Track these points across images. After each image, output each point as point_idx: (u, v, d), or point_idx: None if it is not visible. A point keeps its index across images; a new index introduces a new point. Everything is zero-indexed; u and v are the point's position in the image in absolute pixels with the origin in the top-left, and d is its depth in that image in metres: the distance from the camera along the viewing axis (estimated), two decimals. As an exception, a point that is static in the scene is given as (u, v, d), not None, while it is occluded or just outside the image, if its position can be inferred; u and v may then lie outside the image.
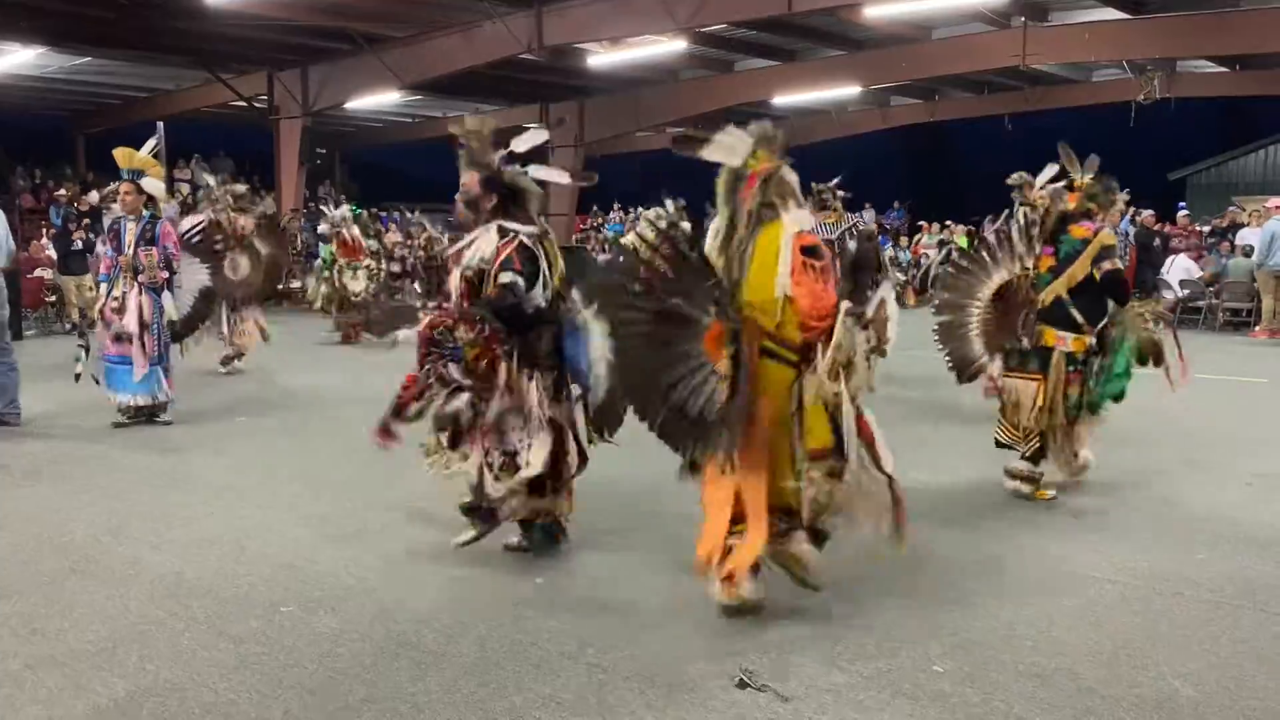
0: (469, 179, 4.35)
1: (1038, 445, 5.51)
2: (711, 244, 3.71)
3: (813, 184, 9.21)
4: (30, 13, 15.55)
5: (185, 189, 20.90)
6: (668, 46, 17.50)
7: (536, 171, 4.46)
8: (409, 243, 17.03)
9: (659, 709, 3.17)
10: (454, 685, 3.33)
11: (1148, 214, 18.12)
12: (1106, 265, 5.24)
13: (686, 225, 3.63)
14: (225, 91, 20.72)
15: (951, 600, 4.07)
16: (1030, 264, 5.43)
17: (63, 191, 19.39)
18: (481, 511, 4.40)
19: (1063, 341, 5.35)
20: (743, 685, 3.30)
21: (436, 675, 3.39)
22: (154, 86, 22.61)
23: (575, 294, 4.25)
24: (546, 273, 4.29)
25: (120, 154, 7.46)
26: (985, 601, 4.06)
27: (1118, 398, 5.65)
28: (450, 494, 4.47)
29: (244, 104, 21.10)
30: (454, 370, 4.17)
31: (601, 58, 18.51)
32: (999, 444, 5.67)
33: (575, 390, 4.37)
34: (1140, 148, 21.78)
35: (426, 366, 4.21)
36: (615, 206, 26.15)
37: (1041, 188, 5.69)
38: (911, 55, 18.73)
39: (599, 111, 23.36)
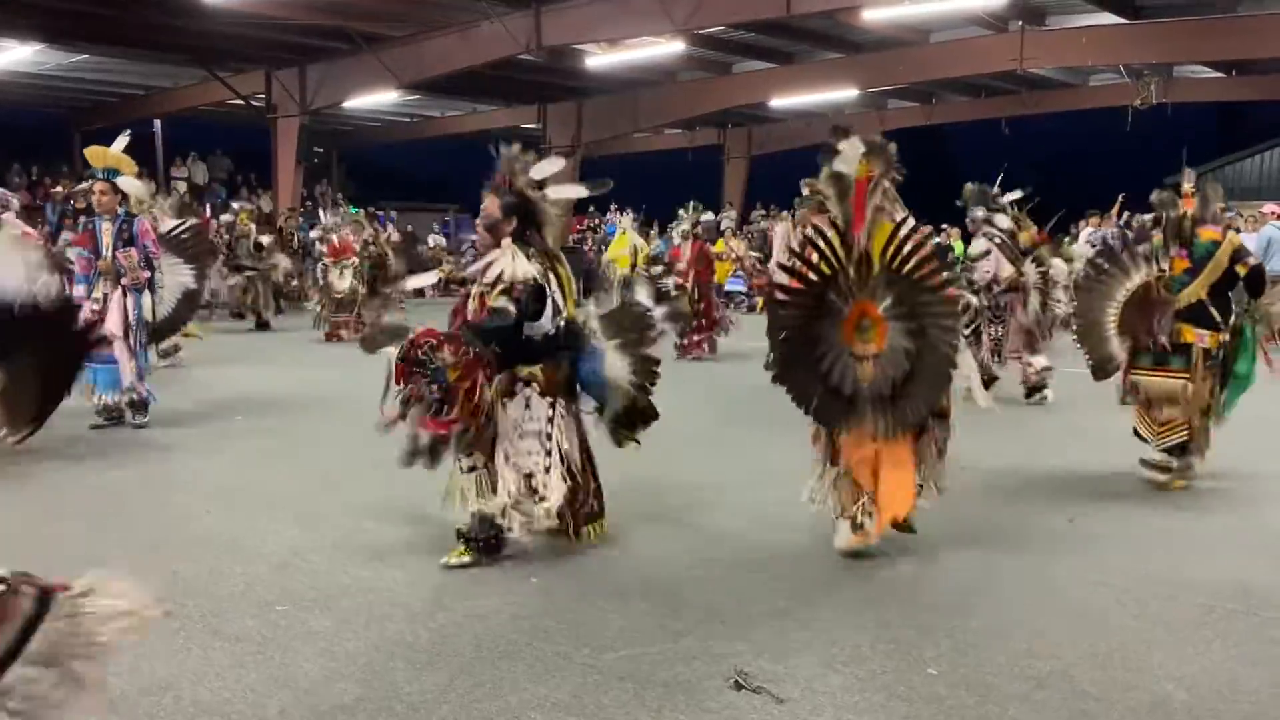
0: (490, 204, 4.36)
1: (1181, 439, 5.81)
2: (781, 243, 4.48)
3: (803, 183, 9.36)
4: (28, 10, 15.53)
5: (183, 187, 20.90)
6: (666, 48, 17.52)
7: (558, 191, 4.48)
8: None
9: (654, 710, 3.18)
10: (449, 685, 3.33)
11: (1144, 217, 18.14)
12: (1251, 261, 5.75)
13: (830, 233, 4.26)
14: (223, 90, 20.72)
15: (947, 603, 4.08)
16: (1165, 266, 5.79)
17: (59, 188, 19.37)
18: (483, 543, 4.39)
19: (1201, 339, 5.69)
20: (738, 687, 3.30)
21: (431, 675, 3.40)
22: (152, 84, 22.60)
23: (595, 320, 4.45)
24: (559, 299, 4.30)
25: (92, 153, 7.24)
26: (980, 604, 4.07)
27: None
28: (450, 496, 4.44)
29: (242, 102, 21.10)
30: (433, 392, 4.09)
31: (600, 59, 18.53)
32: (1138, 436, 5.99)
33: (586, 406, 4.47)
34: (1136, 152, 21.87)
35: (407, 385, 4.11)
36: (613, 208, 26.16)
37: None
38: (909, 58, 18.79)
39: (597, 112, 23.38)
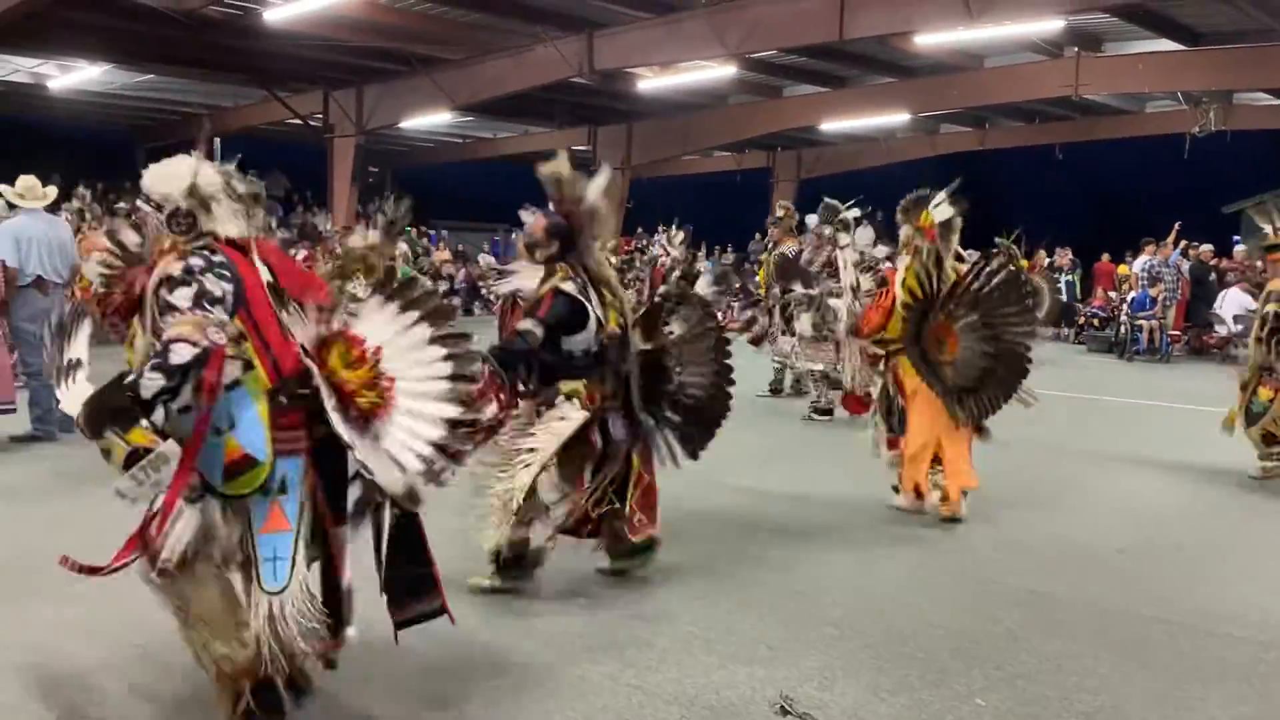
0: (535, 223, 4.34)
1: None
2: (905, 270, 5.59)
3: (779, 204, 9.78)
4: (99, 31, 16.01)
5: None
6: (717, 72, 17.59)
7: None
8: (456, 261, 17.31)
9: (699, 733, 3.17)
10: (494, 702, 3.35)
11: (1206, 248, 17.91)
12: None
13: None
14: (282, 109, 21.16)
15: (995, 634, 4.03)
16: None
17: (122, 204, 19.85)
18: (521, 563, 4.38)
19: None
20: (784, 712, 3.29)
21: (477, 692, 3.42)
22: (213, 103, 23.15)
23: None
24: (601, 315, 4.26)
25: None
26: (1029, 636, 4.02)
27: None
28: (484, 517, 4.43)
29: (299, 122, 21.51)
30: None
31: (651, 82, 18.64)
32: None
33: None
34: (1194, 180, 21.52)
35: None
36: (660, 229, 26.26)
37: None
38: (962, 83, 18.68)
39: (646, 135, 23.51)
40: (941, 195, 5.60)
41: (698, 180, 28.58)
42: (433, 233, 24.47)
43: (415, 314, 2.98)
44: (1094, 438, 8.49)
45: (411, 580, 3.25)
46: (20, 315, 7.36)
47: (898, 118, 21.44)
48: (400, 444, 2.93)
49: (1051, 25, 14.73)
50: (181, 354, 2.65)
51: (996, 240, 9.18)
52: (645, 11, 15.79)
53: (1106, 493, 6.62)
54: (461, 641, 3.81)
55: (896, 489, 5.81)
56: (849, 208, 8.52)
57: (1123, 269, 18.60)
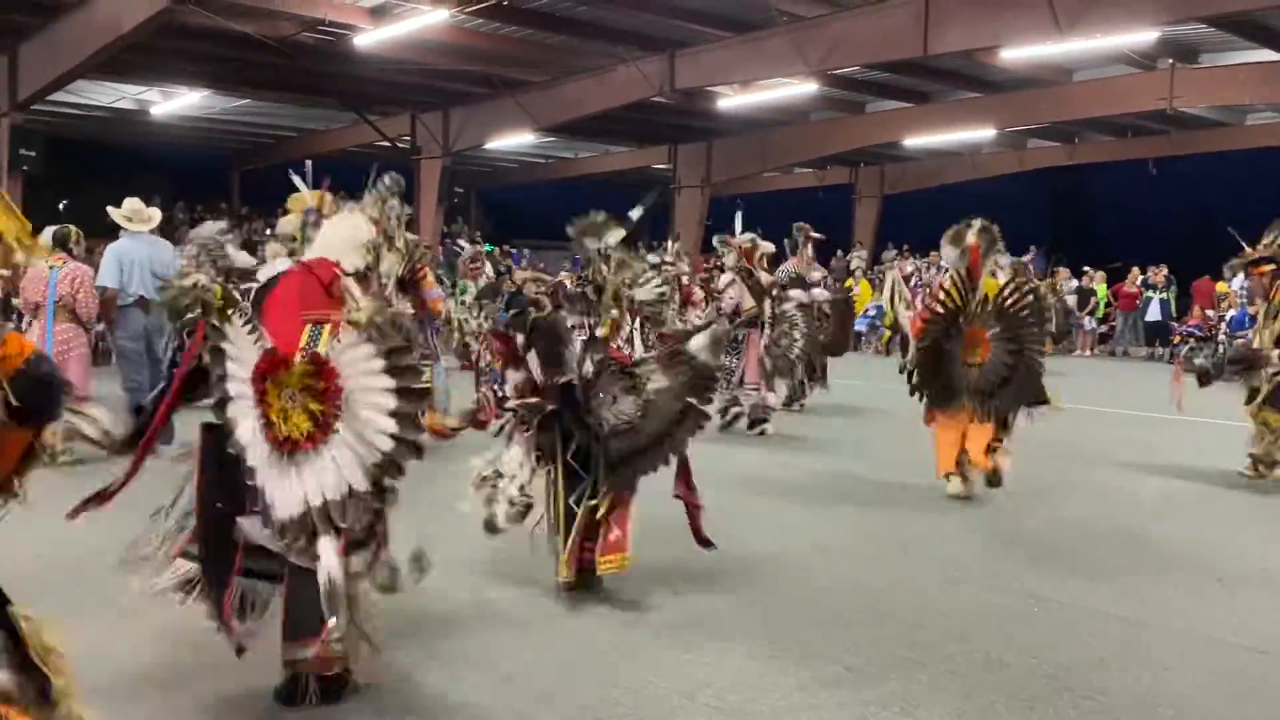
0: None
1: None
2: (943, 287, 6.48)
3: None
4: (199, 59, 16.69)
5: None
6: (799, 88, 17.54)
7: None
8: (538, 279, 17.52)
9: (778, 755, 3.14)
10: (573, 719, 3.36)
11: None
12: None
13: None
14: (371, 132, 21.75)
15: (1084, 662, 3.91)
16: None
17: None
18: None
19: None
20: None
21: (557, 709, 3.43)
22: (305, 126, 23.90)
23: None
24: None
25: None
26: (1122, 667, 3.88)
27: None
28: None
29: (388, 144, 22.05)
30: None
31: (731, 100, 18.68)
32: None
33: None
34: (1298, 194, 20.69)
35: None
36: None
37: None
38: (1050, 97, 18.31)
39: (727, 152, 23.54)
40: (978, 222, 6.45)
41: (778, 197, 28.48)
42: (515, 252, 24.82)
43: (382, 361, 3.09)
44: (1183, 454, 8.21)
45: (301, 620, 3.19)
46: (123, 334, 7.67)
47: (984, 133, 21.10)
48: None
49: (1145, 37, 14.38)
50: None
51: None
52: (726, 30, 15.84)
53: (1204, 520, 6.38)
54: (534, 660, 3.84)
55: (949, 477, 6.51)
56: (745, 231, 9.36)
57: (1221, 286, 17.99)
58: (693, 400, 4.35)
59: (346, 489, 3.03)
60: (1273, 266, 7.21)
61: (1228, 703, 3.60)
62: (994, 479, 6.42)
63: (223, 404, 3.18)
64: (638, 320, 4.71)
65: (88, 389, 7.32)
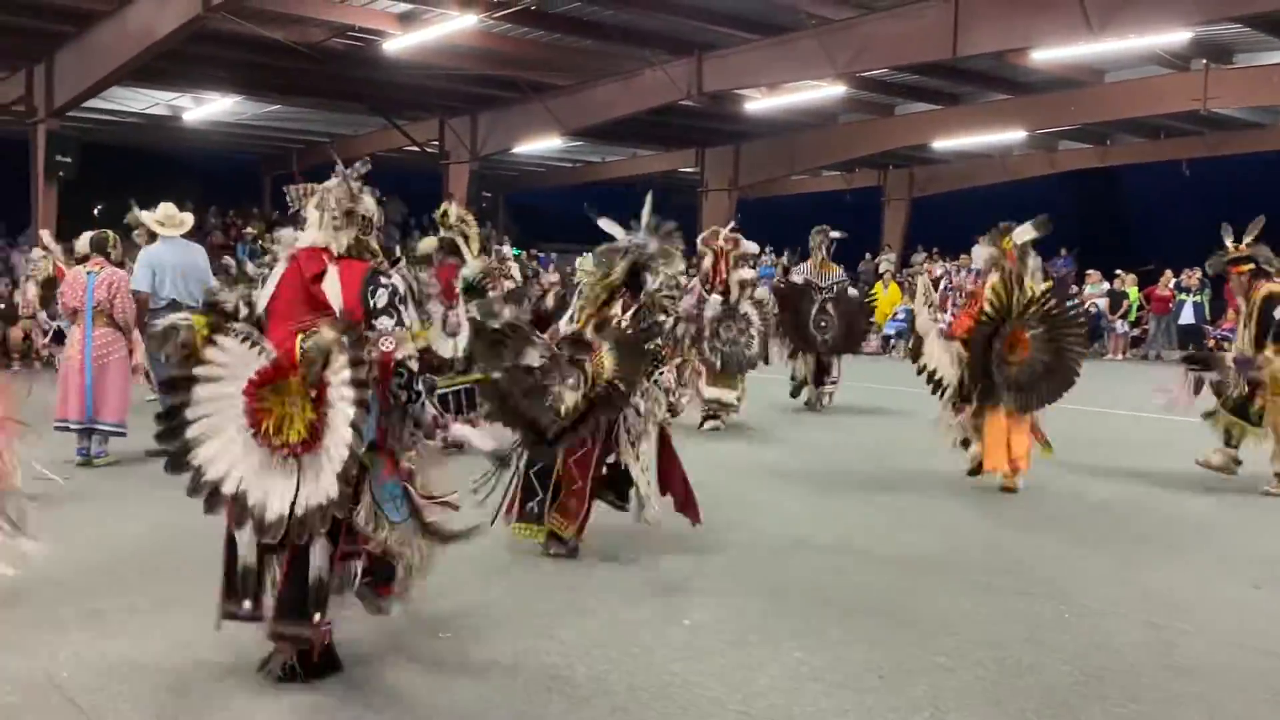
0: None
1: None
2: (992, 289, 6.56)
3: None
4: (230, 65, 16.88)
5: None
6: (826, 91, 17.49)
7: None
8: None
9: (806, 761, 3.12)
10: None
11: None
12: None
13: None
14: (400, 136, 21.89)
15: (1119, 668, 3.85)
16: None
17: (250, 229, 20.78)
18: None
19: None
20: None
21: (588, 712, 3.42)
22: (335, 131, 24.09)
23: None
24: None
25: None
26: (1155, 671, 3.82)
27: None
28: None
29: (417, 149, 22.20)
30: None
31: (759, 102, 18.65)
32: None
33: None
34: (1335, 195, 20.35)
35: None
36: (766, 249, 26.13)
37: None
38: (1082, 99, 18.13)
39: (754, 155, 23.49)
40: (1024, 226, 6.61)
41: (806, 200, 28.39)
42: (542, 255, 24.92)
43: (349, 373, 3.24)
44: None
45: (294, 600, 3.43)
46: (155, 338, 7.74)
47: (1014, 135, 20.94)
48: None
49: (1178, 37, 14.21)
50: None
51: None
52: (754, 33, 15.82)
53: (1242, 527, 6.29)
54: (569, 660, 3.84)
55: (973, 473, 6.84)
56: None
57: (1257, 289, 17.73)
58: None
59: (336, 493, 3.21)
60: (1252, 265, 7.06)
61: (1265, 711, 3.54)
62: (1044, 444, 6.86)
63: (177, 430, 3.30)
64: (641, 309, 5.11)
65: (128, 393, 7.43)
